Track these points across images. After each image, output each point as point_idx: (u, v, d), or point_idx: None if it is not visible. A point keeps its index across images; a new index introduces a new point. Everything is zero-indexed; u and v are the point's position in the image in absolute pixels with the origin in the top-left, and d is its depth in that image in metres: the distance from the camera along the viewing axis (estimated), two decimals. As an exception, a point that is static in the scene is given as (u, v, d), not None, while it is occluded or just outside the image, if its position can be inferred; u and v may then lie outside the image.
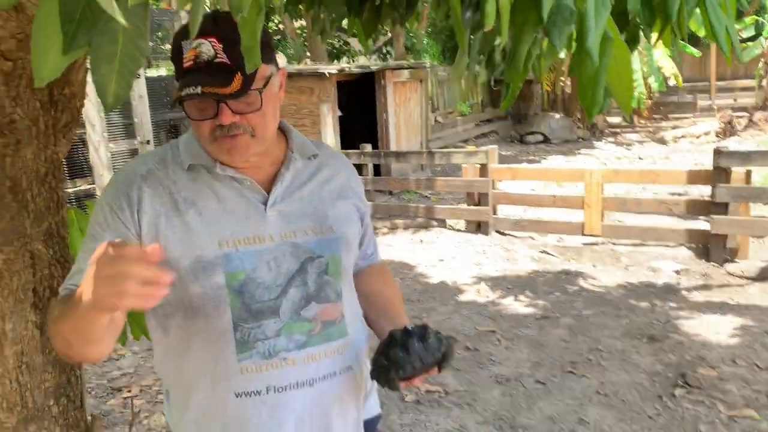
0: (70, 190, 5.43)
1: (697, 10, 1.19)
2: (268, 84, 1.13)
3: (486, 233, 6.52)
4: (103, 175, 5.74)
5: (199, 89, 1.04)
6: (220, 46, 1.05)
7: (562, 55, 1.32)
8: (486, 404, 3.24)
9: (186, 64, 1.08)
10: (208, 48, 1.06)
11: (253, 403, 1.19)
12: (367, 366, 1.30)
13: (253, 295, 1.16)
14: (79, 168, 5.59)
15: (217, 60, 1.06)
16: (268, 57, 1.15)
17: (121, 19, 0.60)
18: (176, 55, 1.10)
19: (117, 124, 6.20)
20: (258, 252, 1.17)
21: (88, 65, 1.56)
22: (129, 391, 3.53)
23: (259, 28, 0.77)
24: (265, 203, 1.20)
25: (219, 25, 1.06)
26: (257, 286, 1.17)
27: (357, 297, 1.36)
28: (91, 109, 5.80)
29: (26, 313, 1.46)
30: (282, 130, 1.29)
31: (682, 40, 1.33)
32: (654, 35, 1.30)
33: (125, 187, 1.18)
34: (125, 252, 0.87)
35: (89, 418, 1.68)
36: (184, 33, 1.10)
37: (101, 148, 5.88)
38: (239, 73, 1.05)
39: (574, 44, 1.05)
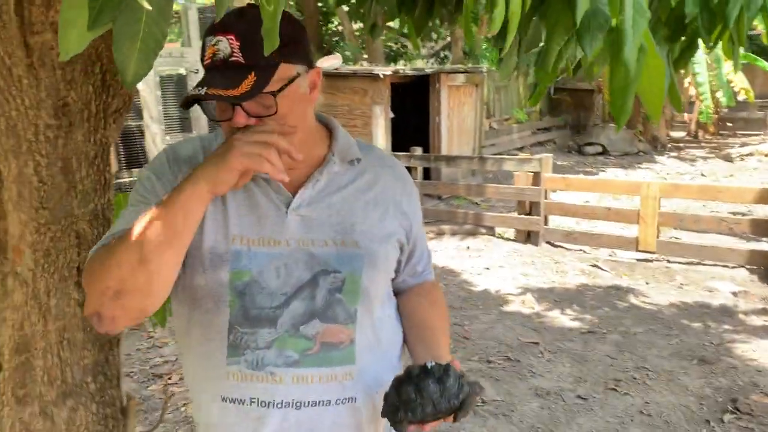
0: (125, 179, 5.60)
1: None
2: (290, 85, 1.04)
3: (536, 244, 6.40)
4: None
5: (203, 91, 1.00)
6: (238, 44, 1.01)
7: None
8: (523, 416, 3.18)
9: (206, 62, 1.05)
10: (225, 46, 1.02)
11: (237, 412, 1.13)
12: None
13: (254, 299, 1.10)
14: (136, 158, 5.76)
15: (232, 59, 1.01)
16: (296, 55, 1.07)
17: (145, 3, 0.60)
18: (202, 52, 1.08)
19: (174, 117, 6.36)
20: (270, 255, 1.10)
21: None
22: (169, 378, 3.61)
23: (280, 11, 0.76)
24: (288, 205, 1.13)
25: (242, 20, 1.02)
26: (260, 290, 1.10)
27: (392, 324, 1.24)
28: (151, 102, 5.98)
29: (69, 291, 1.50)
30: (328, 130, 1.23)
31: (742, 48, 1.27)
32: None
33: (170, 164, 1.17)
34: (268, 124, 1.02)
35: (125, 398, 1.72)
36: (209, 29, 1.07)
37: (158, 140, 6.05)
38: (253, 74, 1.00)
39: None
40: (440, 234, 6.98)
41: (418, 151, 7.32)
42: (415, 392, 1.00)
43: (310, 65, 1.11)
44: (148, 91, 5.96)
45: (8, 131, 1.42)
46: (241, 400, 1.12)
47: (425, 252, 1.33)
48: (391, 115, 7.90)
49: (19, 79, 1.37)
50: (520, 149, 12.91)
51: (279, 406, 1.11)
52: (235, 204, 1.12)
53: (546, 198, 6.40)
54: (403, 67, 9.05)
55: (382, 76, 7.59)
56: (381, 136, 7.71)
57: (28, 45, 1.35)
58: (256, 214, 1.12)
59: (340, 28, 15.43)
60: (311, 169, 1.16)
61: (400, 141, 7.93)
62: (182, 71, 6.43)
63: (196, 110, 6.49)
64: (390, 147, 7.82)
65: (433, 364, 1.03)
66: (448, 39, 14.54)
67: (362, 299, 1.14)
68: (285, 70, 1.04)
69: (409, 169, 7.30)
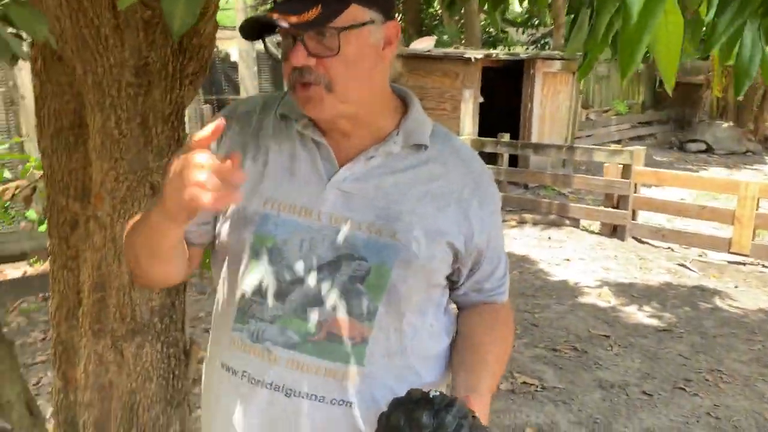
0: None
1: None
2: (359, 29, 0.94)
3: (621, 238, 6.20)
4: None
5: (266, 13, 0.92)
6: None
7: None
8: (583, 405, 3.13)
9: None
10: None
11: (229, 382, 1.08)
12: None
13: (271, 268, 1.02)
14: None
15: None
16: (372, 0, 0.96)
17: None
18: None
19: (267, 90, 6.61)
20: (298, 225, 1.01)
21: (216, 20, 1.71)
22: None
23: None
24: (331, 177, 1.03)
25: None
26: (281, 260, 1.01)
27: (432, 337, 1.11)
28: (247, 77, 6.24)
29: (141, 236, 1.64)
30: (405, 105, 1.10)
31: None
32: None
33: (227, 120, 1.06)
34: (196, 154, 0.80)
35: (188, 341, 1.86)
36: None
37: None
38: (320, 6, 0.90)
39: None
40: (522, 222, 6.88)
41: (505, 137, 7.23)
42: (405, 420, 0.87)
43: (388, 16, 0.99)
44: (245, 66, 6.23)
45: (94, 87, 1.56)
46: (234, 370, 1.07)
47: (498, 270, 1.16)
48: (481, 99, 7.83)
49: (106, 39, 1.51)
50: (618, 142, 12.44)
51: (268, 386, 1.03)
52: (275, 167, 1.05)
53: (636, 192, 6.17)
54: (496, 51, 8.90)
55: (474, 60, 7.53)
56: (469, 120, 7.67)
57: (115, 7, 1.48)
58: (296, 181, 1.03)
59: (440, 11, 15.35)
60: (371, 141, 1.04)
61: (489, 126, 7.85)
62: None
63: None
64: (477, 132, 7.76)
65: (438, 393, 0.90)
66: (551, 27, 14.15)
67: (388, 297, 1.01)
68: (357, 11, 0.93)
69: (495, 155, 7.24)
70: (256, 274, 1.03)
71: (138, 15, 1.51)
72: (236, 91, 6.32)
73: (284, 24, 0.89)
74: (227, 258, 1.10)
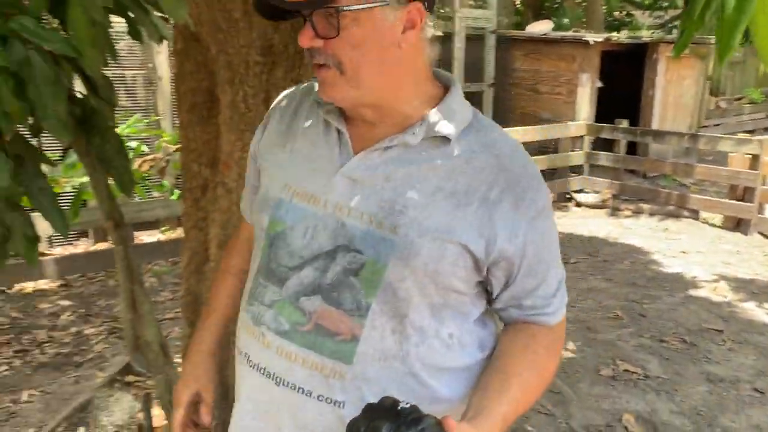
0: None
1: None
2: (368, 10, 0.88)
3: (745, 233, 5.85)
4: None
5: None
6: None
7: None
8: (687, 397, 3.05)
9: None
10: None
11: (238, 360, 1.10)
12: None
13: (278, 252, 1.01)
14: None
15: None
16: None
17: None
18: None
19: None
20: (305, 212, 0.99)
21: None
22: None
23: None
24: (344, 164, 0.99)
25: None
26: (286, 246, 1.00)
27: (450, 348, 1.01)
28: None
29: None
30: (444, 91, 1.02)
31: None
32: None
33: (271, 111, 1.15)
34: None
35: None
36: None
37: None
38: None
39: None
40: (637, 212, 6.65)
41: (623, 123, 6.98)
42: (365, 428, 0.82)
43: None
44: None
45: (226, 65, 1.75)
46: (240, 350, 1.08)
47: (544, 288, 1.03)
48: (600, 84, 7.59)
49: (236, 22, 1.68)
50: (751, 132, 11.59)
51: (261, 372, 1.02)
52: (295, 151, 1.04)
53: (764, 184, 5.79)
54: (617, 34, 8.55)
55: (592, 43, 7.31)
56: (585, 105, 7.47)
57: (245, -6, 1.64)
58: (312, 166, 1.01)
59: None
60: (396, 131, 0.97)
61: (607, 112, 7.61)
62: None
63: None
64: (594, 117, 7.55)
65: (408, 405, 0.83)
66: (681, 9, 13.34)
67: (383, 295, 0.95)
68: None
69: (611, 141, 7.02)
70: (265, 258, 1.03)
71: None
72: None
73: (285, 5, 0.88)
74: (255, 237, 1.12)
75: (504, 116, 7.93)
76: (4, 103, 1.14)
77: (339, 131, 1.01)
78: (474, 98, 7.74)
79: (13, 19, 1.22)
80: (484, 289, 1.04)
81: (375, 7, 0.88)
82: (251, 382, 1.04)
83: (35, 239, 1.47)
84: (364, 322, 0.95)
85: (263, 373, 1.01)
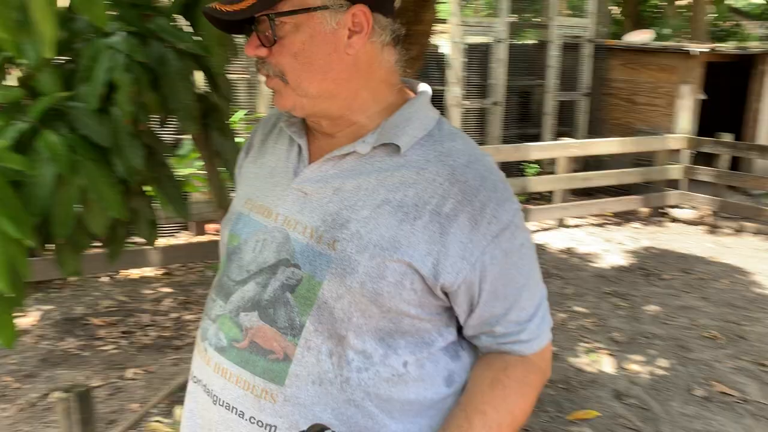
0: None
1: None
2: (302, 14, 0.84)
3: None
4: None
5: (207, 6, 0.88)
6: None
7: None
8: (788, 424, 2.90)
9: None
10: None
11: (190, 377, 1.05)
12: None
13: (230, 266, 0.97)
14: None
15: None
16: None
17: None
18: None
19: (475, 83, 6.79)
20: (258, 226, 0.96)
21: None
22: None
23: None
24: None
25: None
26: (238, 260, 0.96)
27: (404, 379, 0.91)
28: (455, 68, 6.47)
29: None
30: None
31: None
32: None
33: (252, 130, 1.12)
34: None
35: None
36: None
37: (456, 103, 6.55)
38: None
39: None
40: (739, 231, 6.33)
41: (725, 137, 6.67)
42: None
43: (352, 0, 0.86)
44: (454, 57, 6.47)
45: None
46: (191, 367, 1.03)
47: (516, 312, 0.93)
48: (703, 96, 7.28)
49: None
50: None
51: (203, 389, 0.96)
52: (263, 166, 1.02)
53: None
54: (723, 45, 8.17)
55: (695, 54, 7.03)
56: (685, 117, 7.18)
57: None
58: (273, 180, 0.98)
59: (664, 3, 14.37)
60: (352, 139, 0.92)
61: (709, 125, 7.29)
62: (489, 40, 6.79)
63: (494, 77, 6.83)
64: (697, 131, 7.24)
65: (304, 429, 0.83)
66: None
67: (318, 314, 0.88)
68: None
69: (711, 155, 6.71)
70: (220, 272, 1.01)
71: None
72: (442, 81, 6.58)
73: (219, 15, 0.86)
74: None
75: (598, 127, 7.75)
76: (143, 95, 1.26)
77: (295, 141, 0.97)
78: (567, 107, 7.61)
79: (151, 21, 1.35)
80: (454, 315, 0.96)
81: (312, 12, 0.84)
82: (194, 398, 0.99)
83: (155, 223, 1.60)
84: (297, 342, 0.88)
85: (204, 390, 0.96)
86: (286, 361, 0.89)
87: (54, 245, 1.30)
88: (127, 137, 1.19)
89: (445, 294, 0.90)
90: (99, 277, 4.63)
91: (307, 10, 0.84)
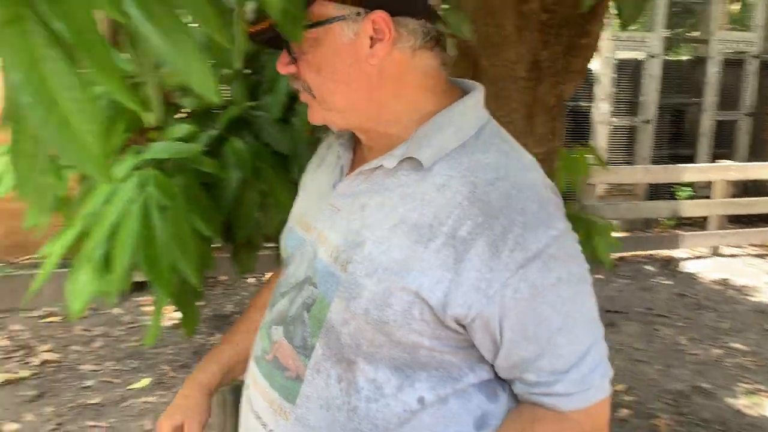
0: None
1: None
2: (323, 26, 0.81)
3: None
4: (597, 146, 6.13)
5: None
6: None
7: None
8: None
9: None
10: None
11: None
12: None
13: (280, 279, 0.99)
14: (580, 135, 6.12)
15: None
16: None
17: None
18: None
19: (624, 100, 6.48)
20: (300, 240, 0.96)
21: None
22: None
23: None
24: None
25: None
26: (285, 273, 0.98)
27: (417, 416, 0.83)
28: (605, 83, 6.22)
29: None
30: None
31: None
32: None
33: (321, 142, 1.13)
34: None
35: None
36: None
37: (604, 120, 6.28)
38: None
39: None
40: None
41: None
42: None
43: (370, 6, 0.80)
44: (603, 72, 6.23)
45: (492, 79, 1.83)
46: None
47: (549, 359, 0.80)
48: None
49: (507, 38, 1.75)
50: None
51: (246, 394, 1.00)
52: (314, 177, 1.03)
53: None
54: None
55: None
56: None
57: (518, 11, 1.71)
58: (318, 192, 0.98)
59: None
60: (385, 152, 0.87)
61: None
62: (641, 56, 6.46)
63: (645, 94, 6.48)
64: None
65: None
66: None
67: (326, 336, 0.85)
68: (319, 8, 0.81)
69: None
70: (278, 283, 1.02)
71: (536, 17, 1.72)
72: (590, 97, 6.35)
73: (252, 37, 0.86)
74: None
75: (761, 149, 7.13)
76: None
77: (341, 155, 0.95)
78: (725, 128, 7.06)
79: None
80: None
81: (328, 25, 0.81)
82: (243, 400, 1.01)
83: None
84: (308, 363, 0.86)
85: (245, 395, 0.99)
86: (298, 381, 0.87)
87: (232, 245, 1.39)
88: (305, 146, 1.25)
89: (463, 326, 0.80)
90: (247, 278, 4.91)
91: (323, 23, 0.80)
